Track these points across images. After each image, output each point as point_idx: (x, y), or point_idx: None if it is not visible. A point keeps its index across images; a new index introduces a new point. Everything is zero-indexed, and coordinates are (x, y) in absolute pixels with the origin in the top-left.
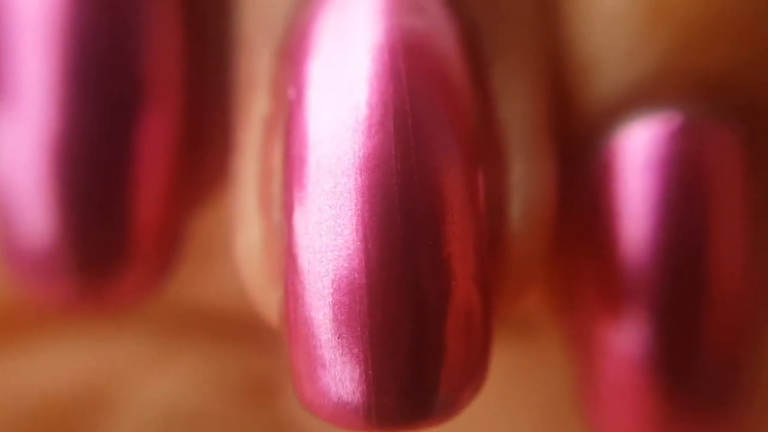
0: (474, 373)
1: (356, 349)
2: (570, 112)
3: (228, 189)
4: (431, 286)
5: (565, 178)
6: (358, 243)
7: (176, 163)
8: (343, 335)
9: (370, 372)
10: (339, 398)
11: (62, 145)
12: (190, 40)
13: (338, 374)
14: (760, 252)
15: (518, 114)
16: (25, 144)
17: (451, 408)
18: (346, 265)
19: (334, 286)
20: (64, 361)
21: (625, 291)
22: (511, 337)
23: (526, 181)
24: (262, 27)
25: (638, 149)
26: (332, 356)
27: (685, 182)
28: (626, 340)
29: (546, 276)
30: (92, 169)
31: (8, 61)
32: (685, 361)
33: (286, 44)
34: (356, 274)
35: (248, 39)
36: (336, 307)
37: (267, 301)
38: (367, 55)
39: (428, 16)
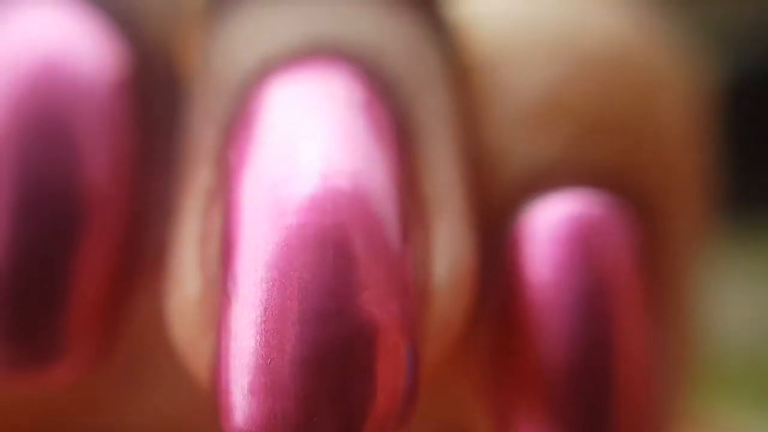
0: (402, 411)
1: (287, 375)
2: (485, 192)
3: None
4: (359, 316)
5: (483, 254)
6: (293, 273)
7: (116, 255)
8: (274, 360)
9: (300, 401)
10: (267, 424)
11: (4, 242)
12: (140, 140)
13: (267, 401)
14: (653, 328)
15: (439, 187)
16: None
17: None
18: (280, 293)
19: (267, 314)
20: None
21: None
22: None
23: (448, 242)
24: (209, 110)
25: (542, 226)
26: (262, 381)
27: (582, 256)
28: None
29: (470, 363)
30: (31, 269)
31: None
32: None
33: (230, 125)
34: (288, 301)
35: (196, 120)
36: (267, 333)
37: (198, 353)
38: (303, 152)
39: (361, 108)
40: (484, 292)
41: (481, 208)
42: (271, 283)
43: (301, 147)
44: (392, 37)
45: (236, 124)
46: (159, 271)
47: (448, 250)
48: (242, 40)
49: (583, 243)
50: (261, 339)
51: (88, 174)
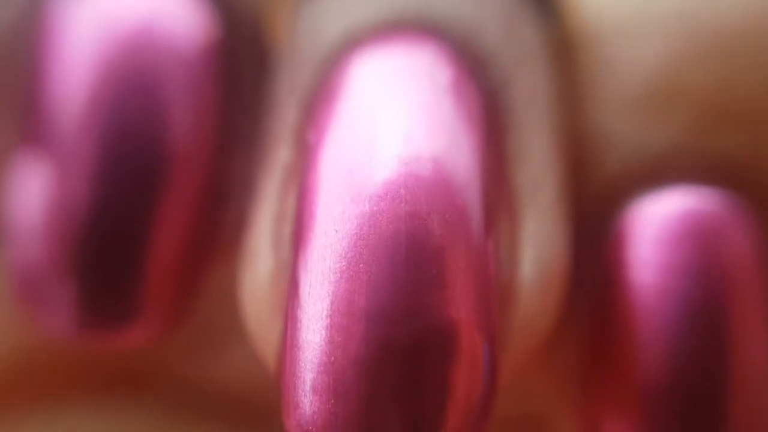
0: (475, 420)
1: (350, 377)
2: (585, 184)
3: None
4: (433, 317)
5: (579, 251)
6: (361, 266)
7: (195, 224)
8: (338, 359)
9: (362, 405)
10: (327, 426)
11: (86, 199)
12: (225, 109)
13: (329, 401)
14: None
15: (532, 177)
16: (52, 192)
17: None
18: (347, 287)
19: (333, 308)
20: (65, 427)
21: (636, 381)
22: None
23: (537, 238)
24: (292, 85)
25: (650, 224)
26: (325, 381)
27: (695, 259)
28: None
29: (557, 367)
30: (111, 225)
31: (52, 118)
32: None
33: (312, 100)
34: (356, 297)
35: (279, 96)
36: (332, 329)
37: (267, 337)
38: (386, 136)
39: (449, 89)
40: (577, 293)
41: (581, 200)
42: (339, 274)
43: (380, 129)
44: (486, 9)
45: (318, 101)
46: (236, 244)
47: (538, 248)
48: (329, 14)
49: (697, 245)
50: (326, 334)
51: (173, 134)
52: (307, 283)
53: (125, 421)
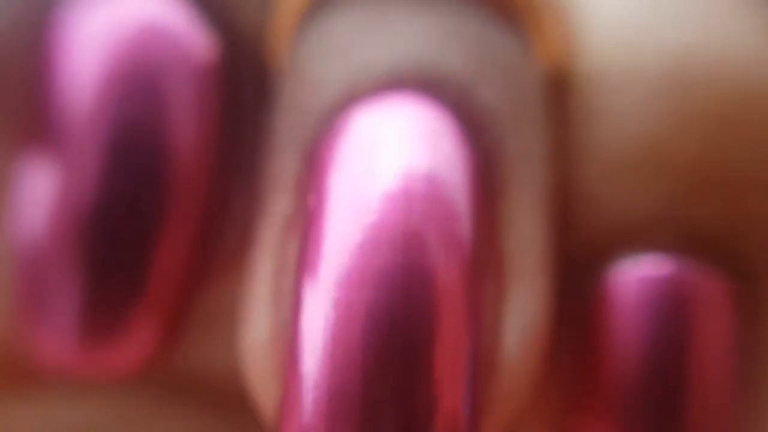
0: None
1: (348, 414)
2: (569, 246)
3: (243, 264)
4: (421, 402)
5: (562, 308)
6: (359, 357)
7: (197, 238)
8: (336, 419)
9: None
10: None
11: (91, 204)
12: (227, 127)
13: None
14: (738, 402)
15: (522, 243)
16: (58, 191)
17: None
18: (342, 375)
19: (330, 393)
20: (51, 415)
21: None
22: None
23: (523, 308)
24: (293, 131)
25: (630, 288)
26: (327, 410)
27: (671, 325)
28: None
29: (541, 402)
30: (115, 232)
31: (58, 119)
32: None
33: (313, 151)
34: (351, 385)
35: (279, 141)
36: (329, 415)
37: (266, 395)
38: (385, 179)
39: (445, 148)
40: (560, 343)
41: (564, 262)
42: (335, 360)
43: (379, 195)
44: (487, 67)
45: (317, 155)
46: (236, 259)
47: (522, 316)
48: (329, 58)
49: (673, 313)
50: (321, 422)
51: (177, 139)
52: (305, 364)
53: (115, 410)
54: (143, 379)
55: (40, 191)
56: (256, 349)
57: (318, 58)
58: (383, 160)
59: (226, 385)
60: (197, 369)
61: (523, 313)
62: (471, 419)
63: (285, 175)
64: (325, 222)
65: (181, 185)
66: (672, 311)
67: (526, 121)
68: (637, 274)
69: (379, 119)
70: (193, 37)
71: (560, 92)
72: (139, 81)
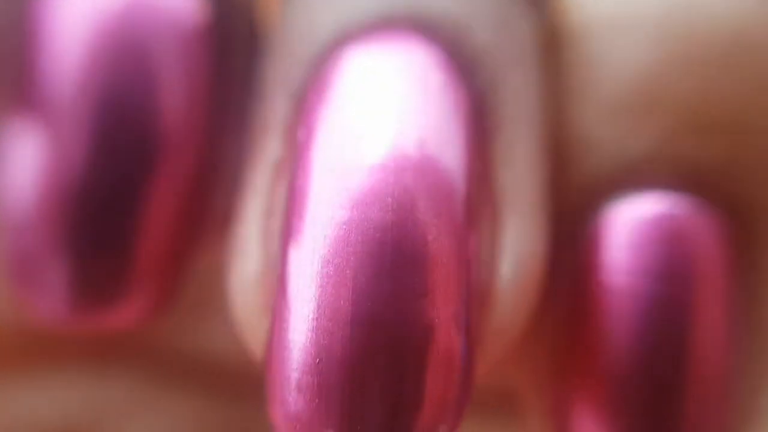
0: (450, 415)
1: (334, 378)
2: (563, 186)
3: (230, 233)
4: (413, 323)
5: (555, 249)
6: (348, 272)
7: (187, 198)
8: (323, 360)
9: (346, 404)
10: (312, 423)
11: (80, 172)
12: (217, 92)
13: (314, 400)
14: (738, 338)
15: (515, 179)
16: (46, 163)
17: None
18: (333, 292)
19: (320, 311)
20: (50, 398)
21: (605, 369)
22: (493, 416)
23: (517, 241)
24: (282, 78)
25: (624, 227)
26: (310, 381)
27: (666, 263)
28: (603, 424)
29: (531, 349)
30: (104, 200)
31: (44, 80)
32: None
33: (303, 94)
34: (342, 302)
35: (269, 89)
36: (318, 331)
37: (255, 331)
38: (375, 137)
39: (438, 94)
40: (552, 288)
41: (558, 200)
42: (325, 279)
43: (369, 133)
44: (480, 8)
45: (308, 98)
46: (226, 225)
47: (517, 250)
48: (320, 6)
49: (666, 249)
50: (311, 336)
51: (167, 107)
52: (294, 285)
53: (111, 390)
54: (138, 360)
55: (29, 161)
56: (246, 284)
57: (307, 6)
58: (374, 102)
59: (223, 366)
60: (195, 350)
61: (518, 248)
62: (467, 353)
63: (275, 119)
64: (315, 150)
65: (172, 155)
66: (669, 251)
67: (520, 63)
68: (631, 213)
69: (369, 60)
70: (182, 1)
71: (555, 36)
72: (126, 49)
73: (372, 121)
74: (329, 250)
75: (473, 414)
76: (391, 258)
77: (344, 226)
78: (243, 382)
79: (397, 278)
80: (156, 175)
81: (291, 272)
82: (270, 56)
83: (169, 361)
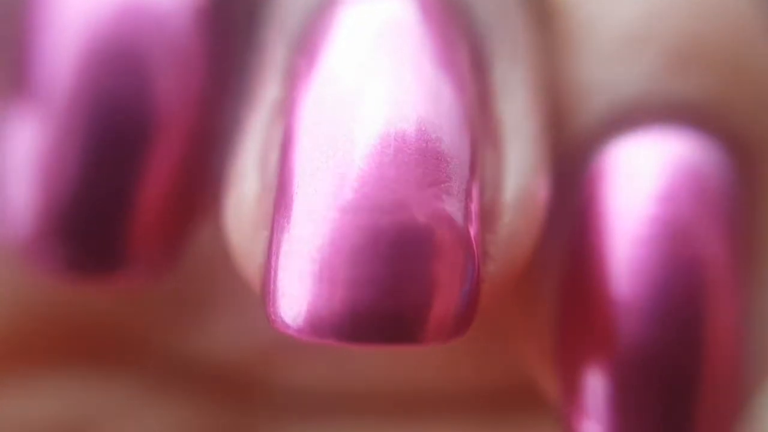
0: (460, 310)
1: (336, 262)
2: (560, 132)
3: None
4: (417, 210)
5: (556, 193)
6: (354, 162)
7: (183, 176)
8: (325, 246)
9: (352, 291)
10: (315, 311)
11: (76, 152)
12: (214, 63)
13: (316, 286)
14: (748, 273)
15: (515, 111)
16: (41, 146)
17: (435, 336)
18: (338, 182)
19: (324, 201)
20: (48, 399)
21: (615, 325)
22: (499, 413)
23: (519, 167)
24: (281, 26)
25: (626, 164)
26: (312, 268)
27: (670, 198)
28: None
29: (536, 317)
30: (102, 176)
31: (40, 65)
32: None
33: (303, 38)
34: (346, 190)
35: (267, 37)
36: (320, 222)
37: (250, 249)
38: (375, 82)
39: (432, 32)
40: (556, 230)
41: (558, 145)
42: (327, 171)
43: (366, 84)
44: None
45: (306, 43)
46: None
47: (520, 175)
48: None
49: (669, 185)
50: (313, 227)
51: (161, 87)
52: (295, 182)
53: (110, 390)
54: (137, 360)
55: (26, 144)
56: (241, 207)
57: None
58: (373, 43)
59: (222, 367)
60: (193, 350)
61: (520, 173)
62: (472, 254)
63: (274, 63)
64: (316, 73)
65: (167, 133)
66: (673, 182)
67: (512, 18)
68: (631, 151)
69: (366, 13)
70: None
71: (548, 10)
72: (122, 34)
73: (367, 73)
74: (331, 146)
75: (472, 416)
76: (393, 150)
77: (349, 125)
78: (243, 382)
79: (401, 166)
80: (151, 151)
81: (291, 172)
82: (270, 9)
83: (168, 361)
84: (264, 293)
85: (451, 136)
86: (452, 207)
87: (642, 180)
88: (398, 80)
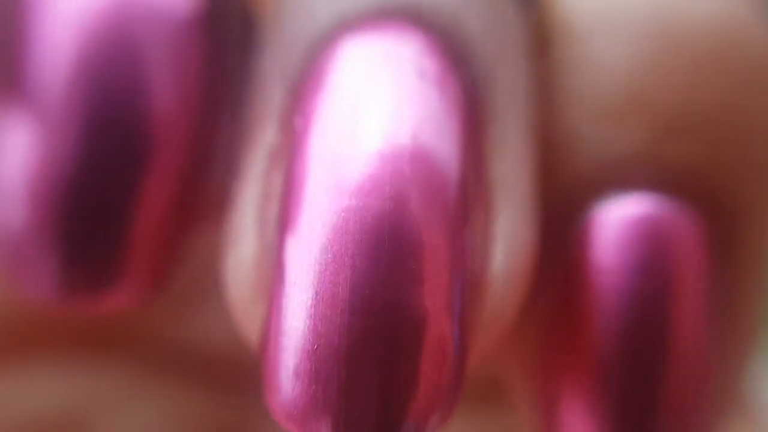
0: (443, 402)
1: (331, 364)
2: (550, 187)
3: (224, 220)
4: (408, 312)
5: (544, 248)
6: (346, 260)
7: (180, 188)
8: (321, 347)
9: (342, 390)
10: (308, 409)
11: (70, 163)
12: (210, 76)
13: (311, 386)
14: (715, 330)
15: (507, 170)
16: (36, 154)
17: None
18: (331, 279)
19: (318, 298)
20: (43, 388)
21: (590, 361)
22: (479, 401)
23: (509, 230)
24: (279, 66)
25: (610, 228)
26: (307, 367)
27: (650, 263)
28: (587, 412)
29: (519, 338)
30: (98, 188)
31: (34, 70)
32: None
33: (300, 82)
34: (340, 289)
35: (265, 73)
36: (317, 318)
37: (250, 318)
38: (371, 130)
39: (433, 84)
40: (541, 285)
41: (546, 200)
42: (323, 266)
43: (365, 122)
44: (471, 2)
45: (305, 86)
46: (220, 211)
47: (509, 241)
48: None
49: (648, 250)
50: (310, 323)
51: (158, 97)
52: (292, 272)
53: (105, 380)
54: (132, 350)
55: (20, 152)
56: (241, 270)
57: None
58: (370, 92)
59: (218, 356)
60: (190, 340)
61: (509, 239)
62: (460, 341)
63: (271, 105)
64: (313, 138)
65: (163, 151)
66: (651, 250)
67: (512, 55)
68: (616, 214)
69: (365, 50)
70: None
71: (543, 34)
72: (117, 41)
73: (367, 111)
74: (327, 238)
75: (462, 400)
76: (387, 246)
77: (342, 214)
78: (238, 372)
79: (393, 267)
80: (148, 163)
81: (288, 259)
82: (265, 44)
83: (163, 351)
84: (261, 371)
85: (448, 206)
86: (441, 304)
87: (624, 251)
88: (395, 136)
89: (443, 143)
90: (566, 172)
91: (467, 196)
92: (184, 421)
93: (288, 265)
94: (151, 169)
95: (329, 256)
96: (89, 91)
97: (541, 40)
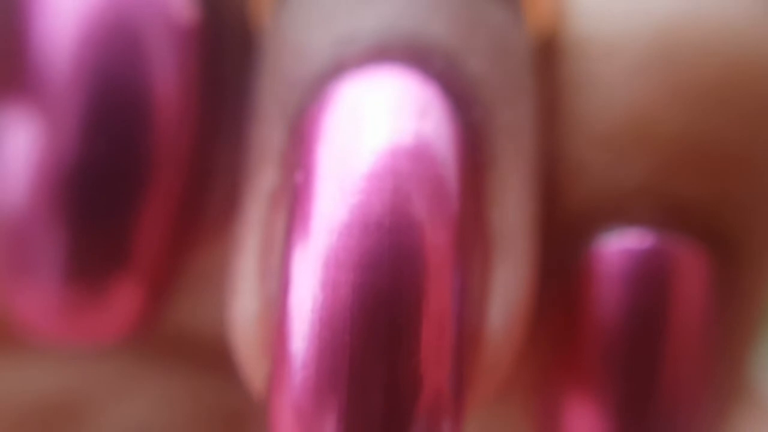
0: None
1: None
2: (553, 217)
3: (229, 230)
4: (406, 381)
5: (546, 279)
6: (346, 337)
7: (180, 204)
8: (324, 397)
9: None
10: None
11: (72, 159)
12: (209, 84)
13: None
14: (715, 371)
15: (508, 218)
16: (39, 146)
17: None
18: (330, 354)
19: (318, 372)
20: (42, 374)
21: (591, 384)
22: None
23: (507, 285)
24: (278, 104)
25: (612, 261)
26: (310, 410)
27: (651, 297)
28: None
29: (523, 371)
30: (100, 179)
31: (38, 73)
32: None
33: (299, 123)
34: (339, 364)
35: (263, 109)
36: (318, 393)
37: (254, 369)
38: (372, 155)
39: (432, 121)
40: (540, 316)
41: (548, 231)
42: (323, 343)
43: (367, 168)
44: (476, 35)
45: (303, 128)
46: (222, 227)
47: (507, 295)
48: (314, 23)
49: (653, 286)
50: (312, 373)
51: (156, 89)
52: (288, 353)
53: (103, 367)
54: (127, 342)
55: (21, 150)
56: (244, 324)
57: (302, 24)
58: (370, 135)
59: (217, 344)
60: (187, 330)
61: (508, 288)
62: (455, 395)
63: (270, 146)
64: (313, 200)
65: (164, 143)
66: (653, 284)
67: (516, 91)
68: (619, 247)
69: (365, 92)
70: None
71: (548, 60)
72: (118, 38)
73: (366, 158)
74: (329, 309)
75: None
76: (385, 321)
77: (343, 288)
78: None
79: (390, 339)
80: (151, 166)
81: (289, 327)
82: (264, 68)
83: (162, 338)
84: (267, 417)
85: (447, 275)
86: (438, 370)
87: (626, 291)
88: (398, 182)
89: (442, 200)
90: (569, 202)
91: (466, 250)
92: (182, 406)
93: (288, 333)
94: (154, 168)
95: (327, 330)
96: (91, 79)
97: (548, 53)
